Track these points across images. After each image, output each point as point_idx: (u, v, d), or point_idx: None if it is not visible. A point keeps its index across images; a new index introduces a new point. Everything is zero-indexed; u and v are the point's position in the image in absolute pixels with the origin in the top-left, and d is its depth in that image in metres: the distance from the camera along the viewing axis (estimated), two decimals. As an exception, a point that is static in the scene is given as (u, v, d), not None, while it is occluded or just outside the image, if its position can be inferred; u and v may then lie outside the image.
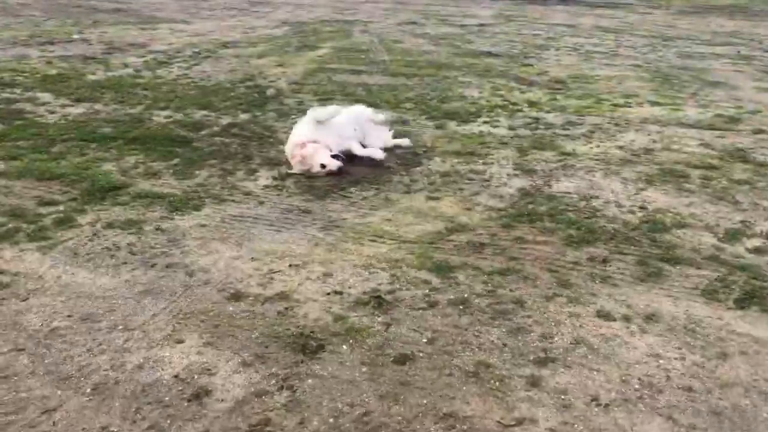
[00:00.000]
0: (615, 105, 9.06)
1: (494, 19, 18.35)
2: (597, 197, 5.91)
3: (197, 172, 6.56)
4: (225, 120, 8.31)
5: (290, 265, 4.70)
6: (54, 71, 10.91)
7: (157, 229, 5.28)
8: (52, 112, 8.59)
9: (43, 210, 5.60)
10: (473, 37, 15.11)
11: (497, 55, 12.81)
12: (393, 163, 6.81)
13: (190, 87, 9.98)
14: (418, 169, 6.65)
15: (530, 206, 5.70)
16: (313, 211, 5.65)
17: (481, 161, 6.85)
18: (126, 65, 11.54)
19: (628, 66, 11.93)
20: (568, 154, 7.04)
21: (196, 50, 12.95)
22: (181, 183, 6.27)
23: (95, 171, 6.47)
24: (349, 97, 9.43)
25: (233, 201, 5.87)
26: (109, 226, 5.33)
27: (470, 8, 20.79)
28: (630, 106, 9.04)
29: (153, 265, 4.71)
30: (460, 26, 16.82)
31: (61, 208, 5.65)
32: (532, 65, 11.79)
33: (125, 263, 4.75)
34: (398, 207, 5.73)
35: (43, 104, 8.94)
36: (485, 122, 8.22)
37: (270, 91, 9.77)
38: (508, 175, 6.47)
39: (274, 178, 6.40)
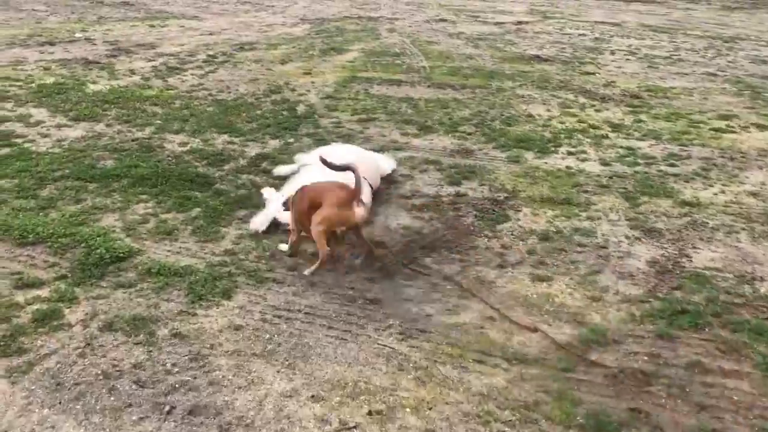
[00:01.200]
0: (715, 130, 7.44)
1: (529, 15, 16.66)
2: (761, 278, 4.32)
3: (224, 230, 4.98)
4: (252, 149, 6.71)
5: (370, 413, 3.12)
6: (51, 80, 9.31)
7: (174, 335, 3.71)
8: (46, 136, 7.01)
9: (20, 297, 4.05)
10: (513, 37, 13.45)
11: (548, 59, 11.15)
12: (471, 216, 5.22)
13: (207, 102, 8.37)
14: (506, 226, 5.07)
15: (678, 294, 4.12)
16: (383, 300, 4.08)
17: (583, 214, 5.26)
18: (133, 72, 9.92)
19: (701, 75, 10.29)
20: (692, 205, 5.45)
21: (211, 53, 11.32)
22: (203, 249, 4.70)
23: (93, 229, 4.90)
24: (394, 116, 7.81)
25: (275, 281, 4.29)
26: (109, 327, 3.77)
27: (499, 3, 19.06)
28: (734, 131, 7.42)
29: (170, 411, 3.15)
30: (494, 24, 15.14)
31: (46, 293, 4.10)
32: (593, 73, 10.14)
33: (129, 405, 3.19)
34: (498, 293, 4.15)
35: (36, 124, 7.36)
36: (569, 153, 6.62)
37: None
38: (627, 237, 4.88)
39: (324, 242, 4.81)
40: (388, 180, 5.92)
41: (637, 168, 6.26)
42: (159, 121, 7.54)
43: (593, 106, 8.33)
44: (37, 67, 10.17)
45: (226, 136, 7.09)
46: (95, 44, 12.15)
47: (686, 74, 10.29)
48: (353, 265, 4.50)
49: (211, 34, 13.49)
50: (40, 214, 5.16)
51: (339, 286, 4.25)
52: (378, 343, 3.65)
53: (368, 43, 12.54)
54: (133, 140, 6.93)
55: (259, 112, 7.99)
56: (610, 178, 6.01)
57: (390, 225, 5.11)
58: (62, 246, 4.66)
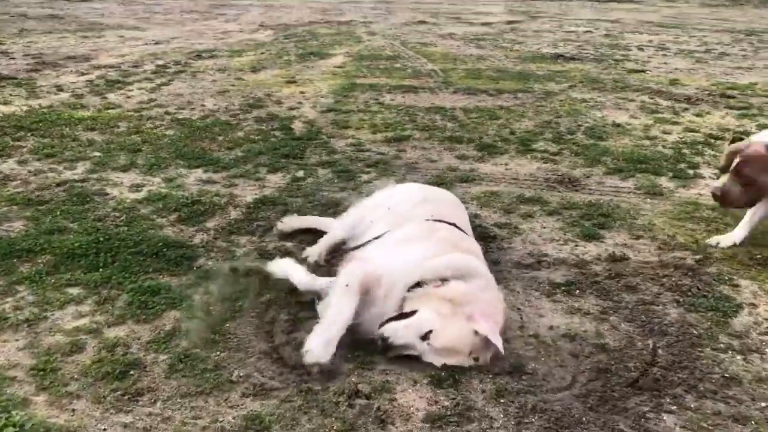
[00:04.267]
0: None
1: (513, 16, 14.54)
2: None
3: (229, 367, 2.46)
4: (245, 191, 4.22)
5: None
6: (-54, 103, 6.54)
7: None
8: None
9: None
10: (514, 36, 11.25)
11: (574, 57, 8.95)
12: (670, 303, 2.84)
13: (165, 122, 5.80)
14: (744, 321, 2.76)
15: None
16: None
17: None
18: (60, 88, 7.23)
19: (765, 69, 8.26)
20: None
21: (161, 62, 8.69)
22: (197, 419, 2.17)
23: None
24: (433, 133, 5.41)
25: None
26: None
27: (471, 5, 16.90)
28: None
29: None
30: (482, 24, 12.94)
31: None
32: (643, 71, 7.97)
33: None
34: None
35: None
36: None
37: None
38: None
39: (449, 395, 2.36)
40: (480, 233, 3.49)
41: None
42: (97, 153, 4.94)
43: (686, 109, 6.12)
44: (-71, 86, 7.34)
45: (200, 172, 4.56)
46: (13, 57, 9.34)
47: (749, 69, 8.23)
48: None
49: (157, 43, 10.83)
50: None
51: None
52: None
53: (351, 46, 10.12)
54: (57, 185, 4.31)
55: (240, 133, 5.47)
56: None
57: (538, 332, 2.68)
58: None
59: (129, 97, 6.83)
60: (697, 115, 5.87)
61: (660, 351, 2.54)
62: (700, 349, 2.55)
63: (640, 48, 9.77)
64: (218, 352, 2.59)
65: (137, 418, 2.25)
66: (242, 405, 2.31)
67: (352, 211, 3.46)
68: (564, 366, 2.48)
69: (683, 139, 5.17)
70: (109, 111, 6.23)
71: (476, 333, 2.39)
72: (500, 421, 2.20)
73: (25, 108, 6.33)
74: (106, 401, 2.33)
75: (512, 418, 2.21)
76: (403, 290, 2.57)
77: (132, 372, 2.47)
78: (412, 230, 2.86)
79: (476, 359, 2.43)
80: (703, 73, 7.92)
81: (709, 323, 2.72)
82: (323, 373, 2.39)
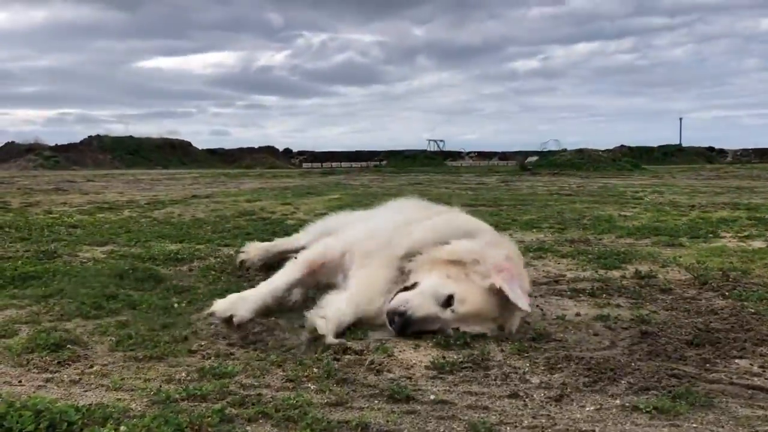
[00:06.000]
0: None
1: (504, 180, 14.94)
2: None
3: (184, 338, 2.03)
4: (228, 251, 3.88)
5: None
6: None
7: None
8: None
9: None
10: (508, 187, 11.43)
11: (571, 194, 8.99)
12: (716, 298, 2.44)
13: (150, 220, 5.59)
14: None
15: None
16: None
17: None
18: (49, 212, 7.09)
19: (761, 197, 8.24)
20: None
21: (156, 200, 8.66)
22: (124, 375, 1.70)
23: None
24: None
25: None
26: None
27: (457, 179, 17.38)
28: None
29: None
30: (478, 183, 13.23)
31: None
32: (640, 198, 7.94)
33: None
34: None
35: None
36: (741, 237, 4.10)
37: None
38: None
39: None
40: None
41: None
42: (73, 237, 4.63)
43: (691, 208, 5.95)
44: None
45: (183, 244, 4.24)
46: (10, 204, 9.31)
47: (748, 198, 8.20)
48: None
49: (122, 196, 10.92)
50: None
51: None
52: None
53: (349, 190, 10.21)
54: (26, 251, 3.97)
55: (229, 225, 5.23)
56: None
57: (564, 315, 2.26)
58: None
59: (119, 215, 6.65)
60: (705, 212, 5.69)
61: (713, 324, 2.11)
62: (760, 320, 2.12)
63: (634, 191, 9.85)
64: (178, 332, 2.14)
65: (65, 375, 1.78)
66: (200, 365, 1.84)
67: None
68: (599, 335, 2.04)
69: (696, 220, 4.93)
70: (99, 215, 6.05)
71: (495, 291, 1.99)
72: (526, 368, 1.73)
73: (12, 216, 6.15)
74: (29, 364, 1.86)
75: (541, 365, 1.75)
76: (398, 260, 2.21)
77: (69, 347, 2.02)
78: (390, 208, 2.64)
79: (501, 327, 2.01)
80: (703, 197, 7.88)
81: (766, 307, 2.30)
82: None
